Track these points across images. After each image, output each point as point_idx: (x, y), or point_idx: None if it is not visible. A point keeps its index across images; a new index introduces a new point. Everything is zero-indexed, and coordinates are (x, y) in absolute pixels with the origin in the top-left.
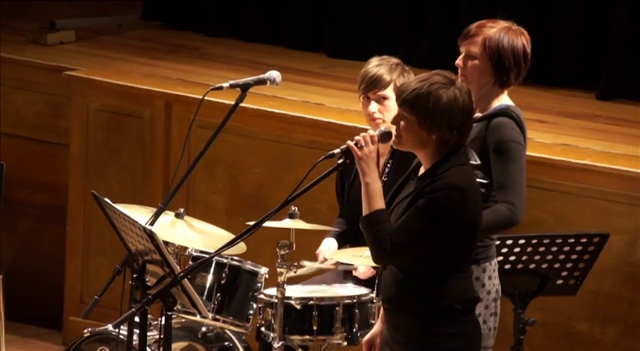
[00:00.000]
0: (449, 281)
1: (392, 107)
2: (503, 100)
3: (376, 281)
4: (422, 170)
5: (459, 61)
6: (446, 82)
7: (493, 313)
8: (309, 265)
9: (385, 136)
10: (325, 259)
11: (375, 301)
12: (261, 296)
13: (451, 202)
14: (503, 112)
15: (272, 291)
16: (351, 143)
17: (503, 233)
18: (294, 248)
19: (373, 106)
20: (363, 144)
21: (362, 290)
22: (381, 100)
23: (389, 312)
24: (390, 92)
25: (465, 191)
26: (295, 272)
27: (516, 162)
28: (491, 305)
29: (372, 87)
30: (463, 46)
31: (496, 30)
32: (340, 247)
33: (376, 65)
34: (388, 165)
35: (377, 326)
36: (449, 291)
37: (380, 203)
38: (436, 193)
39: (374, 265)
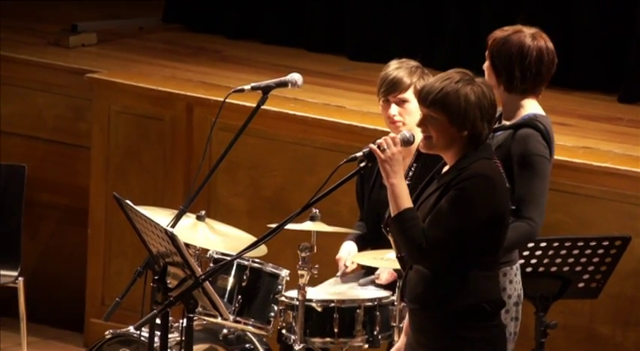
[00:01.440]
0: (476, 279)
1: (412, 110)
2: (530, 108)
3: (398, 284)
4: (445, 169)
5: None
6: (468, 79)
7: (514, 317)
8: (335, 279)
9: (406, 141)
10: (346, 267)
11: (396, 304)
12: (282, 298)
13: (480, 191)
14: (530, 122)
15: (293, 293)
16: (373, 146)
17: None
18: (315, 251)
19: (393, 109)
20: (386, 147)
21: (383, 293)
22: (401, 102)
23: (414, 313)
24: (410, 95)
25: (494, 181)
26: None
27: (539, 176)
28: (512, 309)
29: (392, 90)
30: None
31: (507, 33)
32: (360, 250)
33: (395, 68)
34: (412, 168)
35: (401, 340)
36: (476, 289)
37: (408, 202)
38: (465, 183)
39: (395, 267)
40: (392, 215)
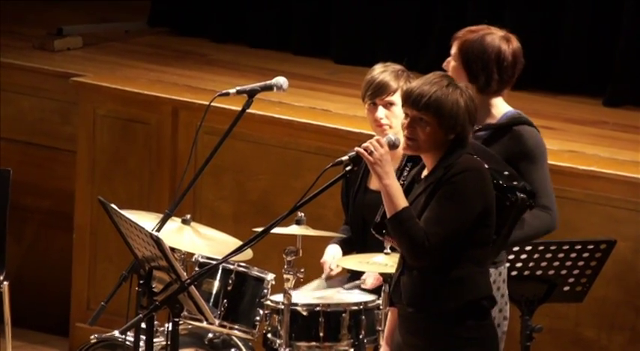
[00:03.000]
0: (472, 276)
1: (398, 113)
2: (503, 106)
3: (384, 288)
4: (425, 172)
5: (445, 62)
6: (454, 83)
7: (505, 316)
8: (318, 282)
9: (392, 145)
10: (331, 270)
11: (381, 308)
12: (268, 302)
13: (473, 184)
14: (521, 119)
15: (279, 297)
16: (360, 149)
17: None
18: (301, 254)
19: (380, 112)
20: (373, 149)
21: (369, 297)
22: (388, 105)
23: (409, 317)
24: (396, 98)
25: (482, 173)
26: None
27: (544, 168)
28: (504, 309)
29: (379, 93)
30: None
31: (478, 34)
32: (345, 253)
33: (381, 71)
34: (407, 167)
35: (382, 349)
36: (473, 286)
37: (404, 201)
38: (456, 178)
39: (380, 271)
40: (389, 216)
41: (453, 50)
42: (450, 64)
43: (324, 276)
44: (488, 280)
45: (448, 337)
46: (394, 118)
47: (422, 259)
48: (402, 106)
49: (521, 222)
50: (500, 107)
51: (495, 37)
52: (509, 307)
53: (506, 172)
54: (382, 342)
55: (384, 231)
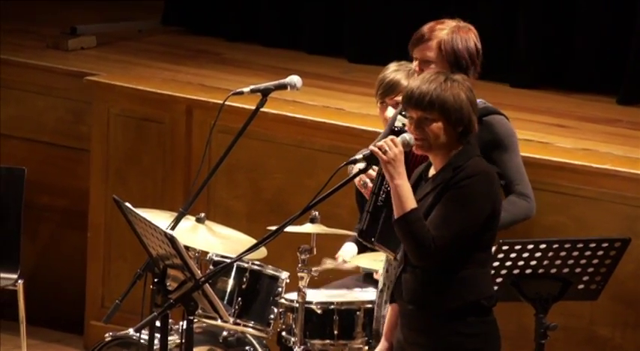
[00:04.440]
0: (474, 277)
1: None
2: None
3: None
4: (432, 171)
5: (415, 67)
6: (451, 77)
7: None
8: (330, 263)
9: (407, 144)
10: (345, 262)
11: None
12: (282, 301)
13: (482, 189)
14: (488, 109)
15: (293, 295)
16: (374, 148)
17: (522, 237)
18: (315, 253)
19: (390, 112)
20: (387, 148)
21: None
22: (398, 105)
23: (410, 314)
24: None
25: (492, 177)
26: (317, 270)
27: (518, 155)
28: None
29: (389, 92)
30: (417, 52)
31: (447, 31)
32: (360, 252)
33: (394, 70)
34: None
35: (381, 345)
36: (474, 287)
37: (412, 203)
38: (466, 181)
39: None
40: (397, 216)
41: (430, 53)
42: (430, 67)
43: (335, 265)
44: (490, 280)
45: (450, 333)
46: None
47: (426, 260)
48: (405, 109)
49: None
50: None
51: (467, 28)
52: (523, 307)
53: None
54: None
55: (372, 238)
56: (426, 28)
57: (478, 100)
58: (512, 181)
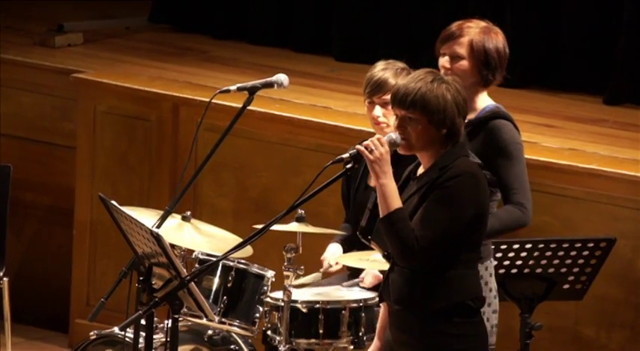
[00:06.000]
0: (460, 277)
1: None
2: (487, 99)
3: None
4: (421, 170)
5: (444, 63)
6: (440, 78)
7: (495, 310)
8: (313, 277)
9: (393, 143)
10: (330, 266)
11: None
12: (268, 299)
13: (467, 189)
14: (498, 114)
15: (278, 294)
16: (361, 147)
17: (508, 237)
18: (301, 251)
19: (377, 110)
20: (374, 147)
21: (368, 294)
22: (386, 104)
23: (397, 314)
24: None
25: (478, 178)
26: (299, 283)
27: (521, 163)
28: (493, 302)
29: (376, 91)
30: (446, 48)
31: (479, 31)
32: (346, 252)
33: (382, 69)
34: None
35: (374, 345)
36: (461, 287)
37: (398, 202)
38: (451, 182)
39: (380, 269)
40: (382, 215)
41: (461, 50)
42: (460, 63)
43: (321, 270)
44: (478, 281)
45: (436, 334)
46: (392, 116)
47: (410, 260)
48: (391, 107)
49: (492, 216)
50: (483, 101)
51: (496, 30)
52: (508, 306)
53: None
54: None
55: (369, 236)
56: (454, 25)
57: (494, 105)
58: (510, 188)
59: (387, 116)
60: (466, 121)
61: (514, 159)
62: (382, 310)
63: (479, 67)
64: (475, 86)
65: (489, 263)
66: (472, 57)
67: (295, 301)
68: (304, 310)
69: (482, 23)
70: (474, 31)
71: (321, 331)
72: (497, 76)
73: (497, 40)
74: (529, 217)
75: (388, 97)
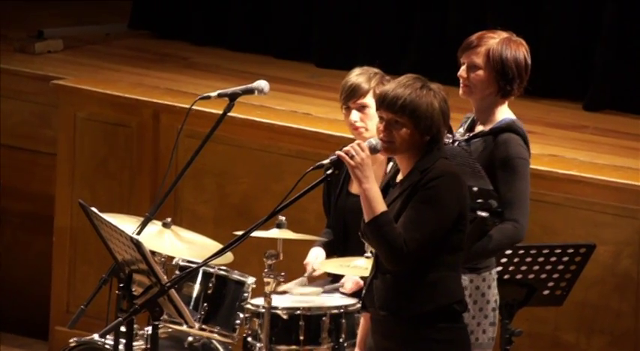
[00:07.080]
0: (444, 280)
1: (372, 115)
2: (506, 112)
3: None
4: (400, 176)
5: (462, 73)
6: (427, 85)
7: (492, 322)
8: (299, 281)
9: (373, 149)
10: (314, 270)
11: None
12: (248, 306)
13: (450, 189)
14: (510, 127)
15: (259, 301)
16: (341, 153)
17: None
18: (282, 258)
19: (354, 115)
20: (354, 153)
21: (349, 300)
22: (361, 108)
23: (382, 320)
24: (369, 100)
25: (458, 178)
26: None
27: (522, 178)
28: (490, 315)
29: (351, 96)
30: (465, 58)
31: (498, 41)
32: (328, 256)
33: (356, 75)
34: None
35: None
36: (445, 291)
37: (382, 206)
38: (433, 182)
39: (360, 275)
40: (367, 220)
41: (478, 60)
42: (476, 73)
43: (306, 275)
44: (460, 284)
45: (420, 339)
46: (369, 120)
47: (399, 263)
48: (377, 109)
49: (486, 237)
50: (502, 113)
51: (518, 41)
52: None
53: (475, 188)
54: (355, 348)
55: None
56: (476, 35)
57: (511, 119)
58: (507, 203)
59: (364, 121)
60: (481, 131)
61: (516, 174)
62: (362, 321)
63: (496, 77)
64: (493, 97)
65: (487, 274)
66: (489, 67)
67: (276, 308)
68: (285, 317)
69: (505, 34)
70: (493, 41)
71: (301, 338)
72: (517, 88)
73: (517, 50)
74: (522, 232)
75: (363, 100)
